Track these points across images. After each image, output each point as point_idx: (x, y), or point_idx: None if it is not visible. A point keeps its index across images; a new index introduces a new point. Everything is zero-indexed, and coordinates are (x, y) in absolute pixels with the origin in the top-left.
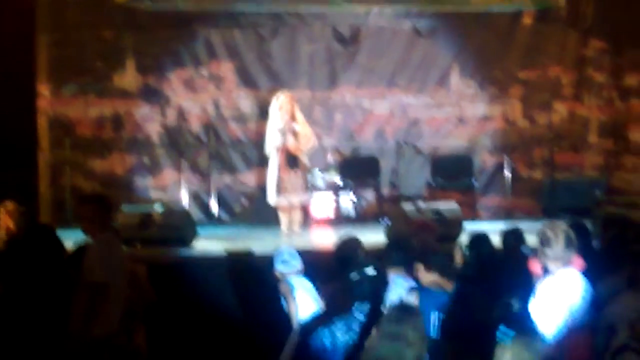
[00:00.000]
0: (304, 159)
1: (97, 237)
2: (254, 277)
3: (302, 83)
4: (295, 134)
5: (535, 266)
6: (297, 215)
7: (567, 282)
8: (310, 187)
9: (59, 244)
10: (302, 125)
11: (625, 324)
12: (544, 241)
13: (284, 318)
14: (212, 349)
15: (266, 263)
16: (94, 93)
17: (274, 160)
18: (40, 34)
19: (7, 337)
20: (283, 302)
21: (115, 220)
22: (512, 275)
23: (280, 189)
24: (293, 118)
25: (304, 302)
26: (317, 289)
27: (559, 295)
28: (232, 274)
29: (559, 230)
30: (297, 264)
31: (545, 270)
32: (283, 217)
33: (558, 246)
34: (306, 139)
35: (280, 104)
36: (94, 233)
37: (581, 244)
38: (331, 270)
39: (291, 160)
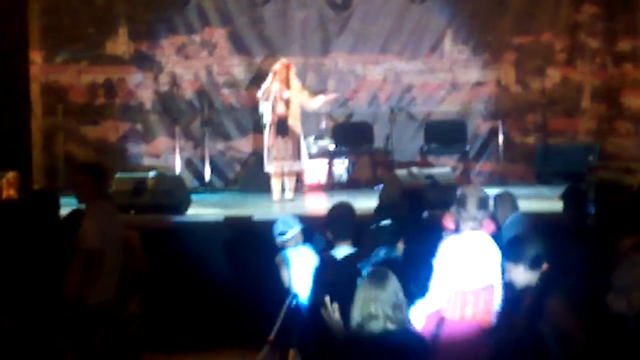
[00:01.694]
0: (296, 127)
1: (91, 205)
2: (251, 241)
3: (295, 49)
4: (286, 101)
5: (448, 222)
6: (291, 182)
7: (472, 243)
8: (302, 155)
9: (58, 210)
10: (296, 93)
11: (626, 292)
12: (460, 201)
13: (280, 283)
14: (206, 314)
15: (264, 228)
16: (86, 60)
17: (267, 128)
18: (32, 1)
19: (3, 303)
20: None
21: (109, 187)
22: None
23: (270, 157)
24: (287, 86)
25: (300, 273)
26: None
27: (461, 254)
28: (230, 238)
29: (475, 193)
30: (296, 232)
31: (457, 229)
32: (274, 184)
33: (471, 208)
34: (297, 106)
35: (275, 71)
36: (88, 201)
37: (577, 208)
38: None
39: (281, 128)
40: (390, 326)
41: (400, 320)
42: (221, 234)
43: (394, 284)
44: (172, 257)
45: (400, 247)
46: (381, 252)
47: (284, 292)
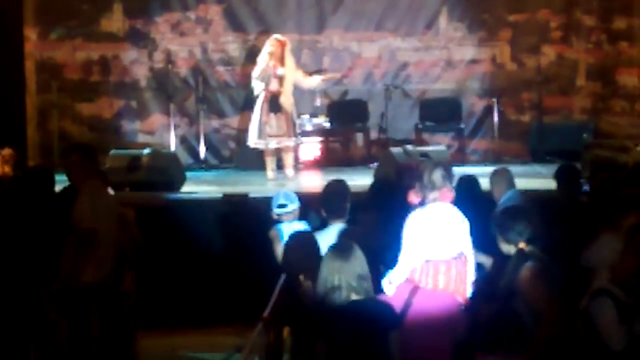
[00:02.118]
0: (288, 104)
1: (84, 186)
2: (247, 218)
3: (290, 26)
4: (280, 78)
5: (412, 197)
6: (289, 159)
7: (436, 214)
8: (295, 132)
9: (53, 187)
10: (290, 70)
11: (606, 266)
12: (420, 176)
13: (275, 260)
14: (200, 291)
15: (260, 205)
16: (81, 37)
17: (259, 103)
18: None
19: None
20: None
21: (102, 164)
22: None
23: (262, 133)
24: (282, 63)
25: None
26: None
27: (426, 226)
28: (226, 215)
29: (432, 167)
30: (294, 207)
31: (422, 202)
32: (269, 161)
33: (431, 180)
34: (291, 84)
35: (269, 48)
36: (80, 182)
37: (570, 186)
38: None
39: (274, 104)
40: (355, 296)
41: (366, 290)
42: (216, 210)
43: (358, 255)
44: (167, 234)
45: None
46: None
47: (279, 268)
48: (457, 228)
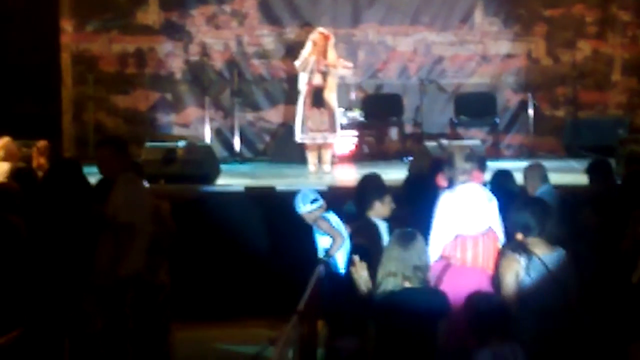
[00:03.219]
0: (331, 98)
1: (118, 179)
2: (280, 211)
3: (325, 20)
4: (323, 72)
5: (441, 181)
6: (327, 155)
7: (465, 194)
8: (337, 127)
9: (84, 179)
10: (333, 64)
11: None
12: (449, 159)
13: (310, 253)
14: (235, 284)
15: (288, 199)
16: (116, 29)
17: (302, 98)
18: None
19: (35, 273)
20: (316, 237)
21: (137, 157)
22: None
23: (304, 127)
24: (324, 56)
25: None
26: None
27: (456, 205)
28: (260, 208)
29: (460, 149)
30: (322, 201)
31: (451, 185)
32: (311, 156)
33: (459, 162)
34: (335, 77)
35: (313, 41)
36: (114, 175)
37: (603, 181)
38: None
39: (317, 99)
40: (407, 284)
41: (420, 280)
42: (250, 203)
43: (418, 246)
44: (202, 226)
45: None
46: None
47: (314, 262)
48: (485, 205)
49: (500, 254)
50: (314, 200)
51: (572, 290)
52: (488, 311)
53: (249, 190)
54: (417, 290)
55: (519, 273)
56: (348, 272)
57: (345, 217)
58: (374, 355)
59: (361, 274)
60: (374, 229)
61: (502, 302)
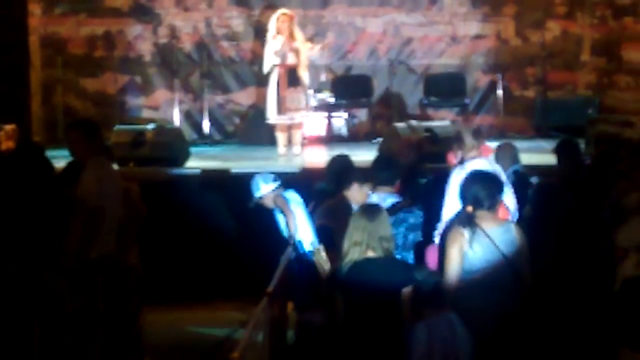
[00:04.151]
0: (305, 77)
1: (88, 162)
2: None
3: (294, 1)
4: (295, 51)
5: (451, 158)
6: (298, 136)
7: (476, 167)
8: (310, 106)
9: (46, 162)
10: (301, 43)
11: (634, 248)
12: (457, 137)
13: (276, 234)
14: (205, 266)
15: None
16: (85, 12)
17: (274, 79)
18: None
19: (4, 256)
20: (277, 217)
21: (107, 140)
22: None
23: (281, 107)
24: (292, 36)
25: (297, 215)
26: (315, 206)
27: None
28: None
29: (467, 128)
30: (278, 182)
31: (461, 162)
32: (280, 137)
33: (467, 139)
34: (305, 55)
35: (278, 23)
36: (84, 158)
37: (570, 161)
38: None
39: (293, 78)
40: (371, 254)
41: (385, 250)
42: (220, 185)
43: (384, 219)
44: (171, 209)
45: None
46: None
47: (283, 242)
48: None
49: (448, 227)
50: (275, 179)
51: (522, 266)
52: (420, 284)
53: (205, 173)
54: (379, 259)
55: (462, 246)
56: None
57: (315, 196)
58: (342, 327)
59: (320, 255)
60: (347, 209)
61: (433, 274)
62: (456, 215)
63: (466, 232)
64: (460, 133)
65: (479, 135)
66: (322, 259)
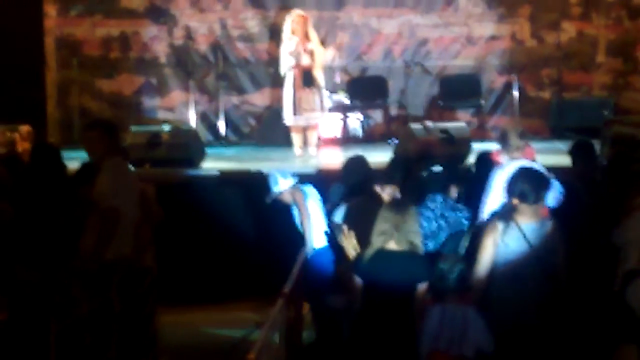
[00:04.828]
0: (320, 78)
1: (105, 163)
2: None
3: (310, 3)
4: (310, 52)
5: (497, 157)
6: (313, 137)
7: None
8: (325, 107)
9: (61, 163)
10: (316, 44)
11: (635, 246)
12: (503, 137)
13: (293, 234)
14: (221, 267)
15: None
16: (101, 13)
17: (290, 80)
18: None
19: (20, 257)
20: (295, 214)
21: (123, 141)
22: None
23: (297, 109)
24: (307, 38)
25: (314, 211)
26: (335, 205)
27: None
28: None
29: (513, 128)
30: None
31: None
32: (296, 138)
33: (513, 139)
34: (320, 57)
35: (293, 24)
36: (101, 158)
37: (585, 162)
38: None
39: (307, 79)
40: (393, 246)
41: (409, 243)
42: (236, 187)
43: (412, 216)
44: (187, 210)
45: (454, 190)
46: (438, 197)
47: (300, 241)
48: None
49: (489, 220)
50: (293, 175)
51: (555, 262)
52: (444, 272)
53: (224, 174)
54: (399, 252)
55: (495, 239)
56: (332, 244)
57: (333, 197)
58: (359, 312)
59: (350, 240)
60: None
61: (459, 264)
62: (500, 207)
63: (500, 225)
64: (506, 133)
65: (524, 136)
66: (352, 243)
